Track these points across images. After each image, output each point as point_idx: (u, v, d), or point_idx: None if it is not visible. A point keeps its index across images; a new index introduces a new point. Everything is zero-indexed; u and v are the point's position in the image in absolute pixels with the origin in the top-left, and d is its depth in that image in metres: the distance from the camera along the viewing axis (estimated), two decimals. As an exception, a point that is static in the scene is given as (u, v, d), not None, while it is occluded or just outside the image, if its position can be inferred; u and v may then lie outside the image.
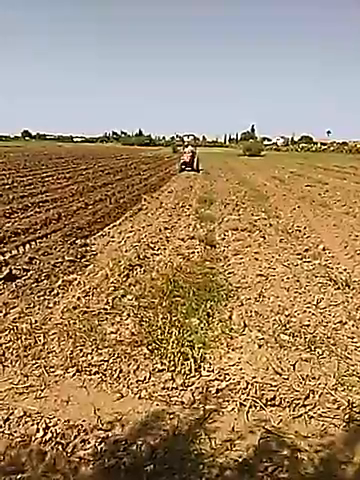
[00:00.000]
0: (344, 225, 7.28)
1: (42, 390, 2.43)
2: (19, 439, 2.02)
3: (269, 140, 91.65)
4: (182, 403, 2.31)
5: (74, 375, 2.58)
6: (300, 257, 5.14)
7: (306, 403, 2.31)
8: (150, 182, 14.23)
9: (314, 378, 2.51)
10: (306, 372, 2.57)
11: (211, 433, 2.09)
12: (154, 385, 2.47)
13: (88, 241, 5.94)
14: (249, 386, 2.41)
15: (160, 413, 2.23)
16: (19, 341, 2.90)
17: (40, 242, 5.77)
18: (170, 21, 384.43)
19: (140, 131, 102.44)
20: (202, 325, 3.12)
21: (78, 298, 3.62)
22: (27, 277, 4.21)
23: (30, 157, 24.94)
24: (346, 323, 3.28)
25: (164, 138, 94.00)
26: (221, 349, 2.83)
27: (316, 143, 71.35)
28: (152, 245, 5.50)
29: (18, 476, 1.81)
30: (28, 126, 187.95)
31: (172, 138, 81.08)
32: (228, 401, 2.34)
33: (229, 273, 4.48)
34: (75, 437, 2.03)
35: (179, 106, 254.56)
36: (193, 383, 2.48)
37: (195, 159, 18.60)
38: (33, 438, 2.02)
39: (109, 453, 1.93)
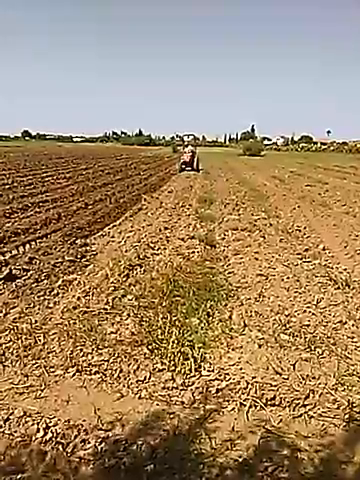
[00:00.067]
0: (344, 225, 7.28)
1: (42, 390, 2.43)
2: (19, 439, 2.02)
3: (269, 140, 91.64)
4: (182, 403, 2.32)
5: (74, 375, 2.58)
6: (300, 257, 5.14)
7: (306, 403, 2.31)
8: (150, 182, 14.23)
9: (314, 378, 2.51)
10: (306, 372, 2.57)
11: (211, 433, 2.09)
12: (154, 385, 2.47)
13: (88, 241, 5.93)
14: (249, 386, 2.41)
15: (160, 413, 2.23)
16: (19, 341, 2.90)
17: (40, 242, 5.77)
18: (170, 21, 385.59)
19: (140, 131, 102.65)
20: (202, 325, 3.12)
21: (78, 298, 3.62)
22: (27, 277, 4.22)
23: (30, 157, 24.95)
24: (346, 323, 3.28)
25: (164, 138, 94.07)
26: (221, 349, 2.83)
27: (316, 143, 71.33)
28: (152, 245, 5.50)
29: (18, 476, 1.81)
30: (28, 126, 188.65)
31: (172, 138, 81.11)
32: (228, 401, 2.34)
33: (229, 273, 4.48)
34: (75, 437, 2.03)
35: (179, 106, 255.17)
36: (193, 383, 2.48)
37: (195, 159, 18.60)
38: (33, 438, 2.02)
39: (109, 453, 1.93)
